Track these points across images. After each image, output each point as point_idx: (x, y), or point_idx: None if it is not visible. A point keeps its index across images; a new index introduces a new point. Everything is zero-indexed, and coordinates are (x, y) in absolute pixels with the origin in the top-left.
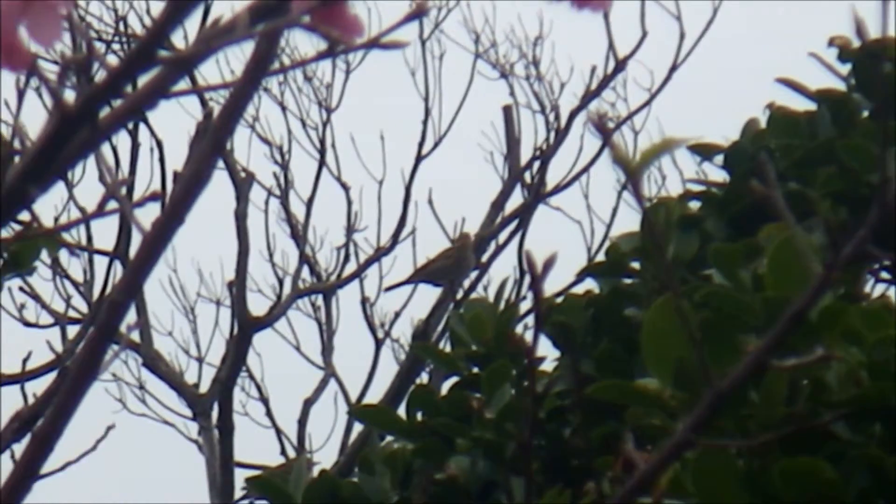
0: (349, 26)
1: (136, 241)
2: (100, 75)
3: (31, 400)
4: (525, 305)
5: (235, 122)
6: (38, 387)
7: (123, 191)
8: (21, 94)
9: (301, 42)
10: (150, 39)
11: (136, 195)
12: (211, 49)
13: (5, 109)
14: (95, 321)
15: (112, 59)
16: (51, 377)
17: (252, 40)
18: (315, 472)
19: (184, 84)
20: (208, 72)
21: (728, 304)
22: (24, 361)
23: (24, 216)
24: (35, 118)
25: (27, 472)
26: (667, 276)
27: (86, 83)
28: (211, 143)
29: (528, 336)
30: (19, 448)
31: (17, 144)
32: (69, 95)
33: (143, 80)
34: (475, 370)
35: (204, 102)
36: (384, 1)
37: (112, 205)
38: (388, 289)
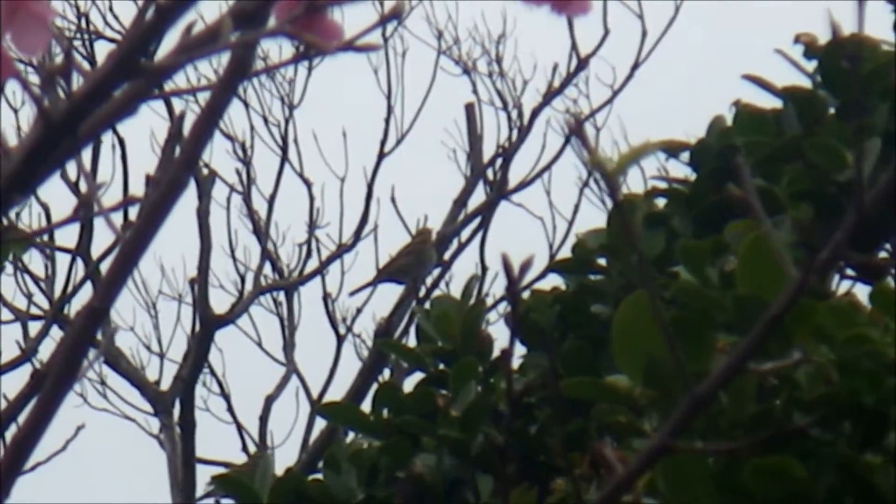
0: (327, 31)
1: (100, 239)
2: (77, 83)
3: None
4: (488, 302)
5: (212, 130)
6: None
7: (99, 195)
8: None
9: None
10: (133, 49)
11: (101, 194)
12: (192, 58)
13: None
14: (72, 328)
15: (79, 59)
16: (15, 374)
17: (230, 49)
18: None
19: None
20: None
21: (698, 300)
22: None
23: None
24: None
25: (5, 479)
26: (642, 273)
27: (66, 92)
28: (187, 152)
29: (495, 333)
30: None
31: None
32: (51, 104)
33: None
34: (441, 367)
35: (169, 104)
36: (353, 3)
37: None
38: (353, 292)
